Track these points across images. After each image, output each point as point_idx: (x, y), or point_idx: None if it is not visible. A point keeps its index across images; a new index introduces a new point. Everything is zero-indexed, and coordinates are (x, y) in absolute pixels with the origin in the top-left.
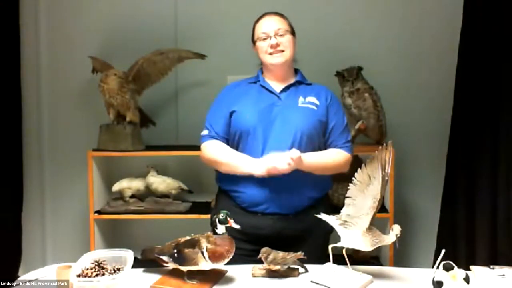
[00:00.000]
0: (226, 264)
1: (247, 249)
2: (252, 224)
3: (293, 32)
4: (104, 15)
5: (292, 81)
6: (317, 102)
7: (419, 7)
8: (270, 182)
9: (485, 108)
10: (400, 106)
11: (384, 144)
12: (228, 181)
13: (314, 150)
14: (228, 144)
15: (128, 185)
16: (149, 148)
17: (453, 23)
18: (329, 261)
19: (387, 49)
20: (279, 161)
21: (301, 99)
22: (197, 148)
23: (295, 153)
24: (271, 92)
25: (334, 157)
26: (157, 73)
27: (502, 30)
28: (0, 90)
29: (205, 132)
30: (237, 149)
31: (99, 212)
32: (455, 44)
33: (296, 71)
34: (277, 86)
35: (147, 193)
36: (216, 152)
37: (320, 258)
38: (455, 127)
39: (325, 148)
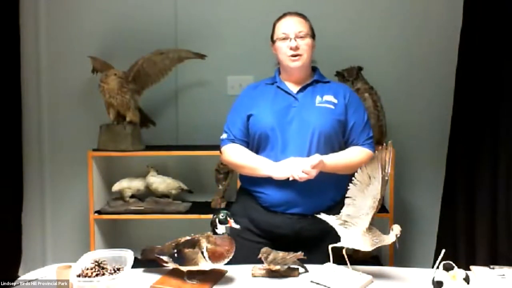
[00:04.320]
0: (226, 263)
1: (262, 244)
2: (270, 223)
3: (313, 35)
4: (104, 15)
5: (309, 80)
6: (335, 101)
7: (419, 7)
8: (292, 184)
9: (485, 108)
10: (400, 106)
11: (384, 144)
12: (250, 181)
13: (333, 149)
14: (247, 146)
15: (128, 185)
16: (149, 148)
17: (453, 23)
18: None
19: (387, 49)
20: (300, 168)
21: (318, 98)
22: (197, 148)
23: (316, 158)
24: (287, 93)
25: (356, 155)
26: (157, 73)
27: (502, 30)
28: (0, 90)
29: (224, 135)
30: (257, 152)
31: (99, 212)
32: (455, 44)
33: (314, 69)
34: (294, 87)
35: (147, 193)
36: (236, 155)
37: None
38: (455, 127)
39: (345, 147)
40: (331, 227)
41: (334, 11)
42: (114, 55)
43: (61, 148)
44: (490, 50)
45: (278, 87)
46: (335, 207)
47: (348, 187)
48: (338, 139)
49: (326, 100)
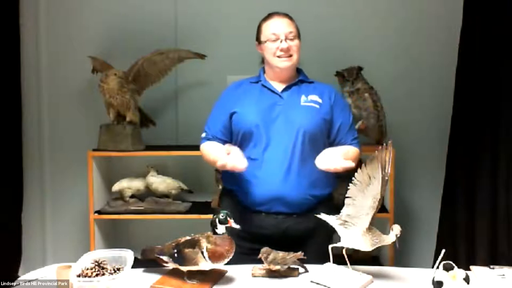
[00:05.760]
0: (226, 264)
1: (248, 248)
2: (255, 224)
3: (299, 36)
4: (104, 15)
5: (294, 80)
6: (320, 101)
7: (419, 7)
8: (274, 182)
9: (485, 108)
10: (400, 106)
11: (384, 144)
12: (231, 181)
13: (317, 148)
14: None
15: (128, 185)
16: (149, 148)
17: (453, 23)
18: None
19: (387, 49)
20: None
21: (303, 97)
22: (197, 148)
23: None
24: (272, 91)
25: (349, 151)
26: (157, 73)
27: (502, 30)
28: (0, 90)
29: (203, 134)
30: (240, 149)
31: (99, 212)
32: (455, 44)
33: (298, 70)
34: (279, 86)
35: (147, 193)
36: (208, 151)
37: (325, 257)
38: (455, 127)
39: (330, 146)
40: (317, 225)
41: (334, 11)
42: (114, 55)
43: (61, 148)
44: (490, 50)
45: (263, 85)
46: (320, 205)
47: (334, 183)
48: (323, 138)
49: (311, 99)
